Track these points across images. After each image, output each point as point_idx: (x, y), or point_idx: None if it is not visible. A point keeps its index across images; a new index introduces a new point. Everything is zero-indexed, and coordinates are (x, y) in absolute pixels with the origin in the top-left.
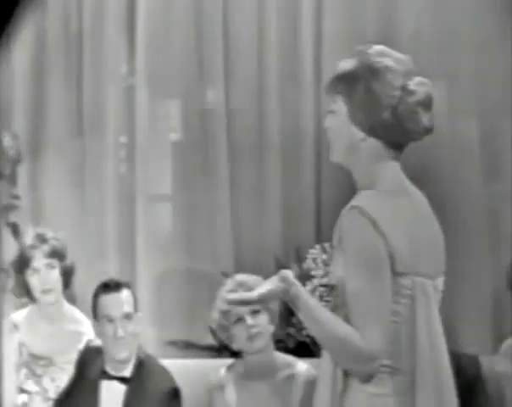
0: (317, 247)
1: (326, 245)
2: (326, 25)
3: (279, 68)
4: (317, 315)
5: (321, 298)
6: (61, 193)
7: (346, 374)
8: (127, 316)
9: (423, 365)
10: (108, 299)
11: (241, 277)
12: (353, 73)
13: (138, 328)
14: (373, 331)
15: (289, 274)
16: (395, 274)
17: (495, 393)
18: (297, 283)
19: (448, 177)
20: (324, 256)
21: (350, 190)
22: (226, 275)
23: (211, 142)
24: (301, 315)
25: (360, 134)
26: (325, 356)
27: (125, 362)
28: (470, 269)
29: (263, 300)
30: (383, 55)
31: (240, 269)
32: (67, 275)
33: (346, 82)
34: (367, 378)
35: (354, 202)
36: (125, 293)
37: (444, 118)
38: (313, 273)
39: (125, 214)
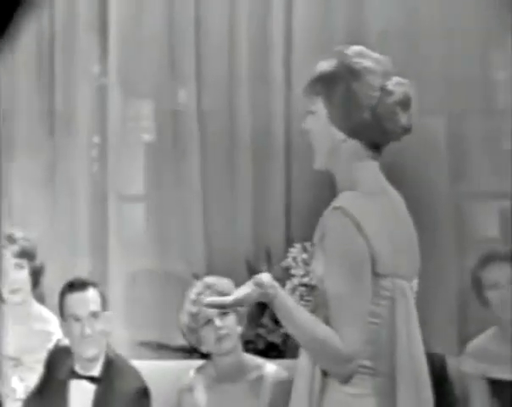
0: (297, 245)
1: (307, 244)
2: (296, 26)
3: (249, 69)
4: (296, 317)
5: (302, 297)
6: (33, 193)
7: (325, 374)
8: (94, 315)
9: (403, 367)
10: (73, 299)
11: (210, 280)
12: (333, 74)
13: (107, 327)
14: (352, 333)
15: (265, 278)
16: (376, 275)
17: (460, 394)
18: (276, 285)
19: (415, 177)
20: (304, 255)
21: (320, 191)
22: (197, 276)
23: (183, 143)
24: (280, 317)
25: (341, 135)
26: (304, 356)
27: (93, 360)
28: (437, 269)
29: (239, 304)
30: (362, 56)
31: (211, 270)
32: (36, 275)
33: (325, 83)
34: (345, 379)
35: (337, 202)
36: (91, 292)
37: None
38: (293, 272)
39: (97, 213)
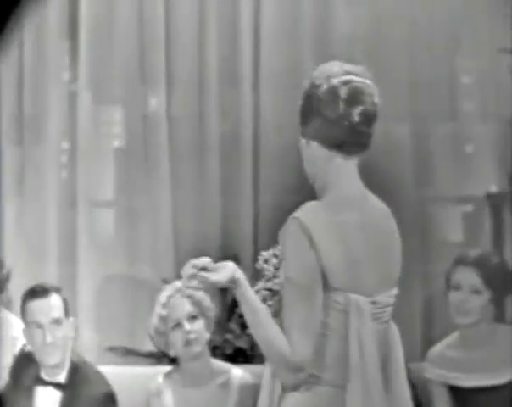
0: (270, 251)
1: (278, 250)
2: (264, 29)
3: (218, 74)
4: (257, 316)
5: (264, 301)
6: (2, 198)
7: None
8: (56, 322)
9: (353, 379)
10: (35, 305)
11: (179, 284)
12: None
13: (71, 333)
14: (300, 343)
15: (241, 274)
16: (328, 289)
17: (424, 400)
18: (246, 283)
19: (380, 182)
20: (274, 260)
21: (288, 195)
22: (167, 282)
23: (153, 148)
24: (242, 305)
25: (302, 140)
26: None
27: (56, 367)
28: (401, 274)
29: (216, 285)
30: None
31: (180, 274)
32: (1, 283)
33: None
34: (293, 387)
35: (297, 212)
36: (53, 299)
37: (377, 122)
38: (265, 273)
39: (67, 219)
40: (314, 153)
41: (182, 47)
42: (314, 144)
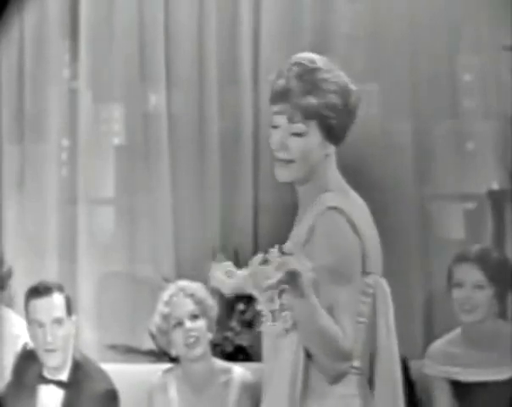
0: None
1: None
2: (264, 29)
3: (218, 72)
4: (319, 313)
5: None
6: (2, 196)
7: (306, 380)
8: (57, 321)
9: (383, 365)
10: (37, 304)
11: (182, 283)
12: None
13: (72, 331)
14: (349, 330)
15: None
16: (364, 273)
17: (425, 397)
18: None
19: (381, 179)
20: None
21: (288, 190)
22: (167, 280)
23: (153, 146)
24: (302, 310)
25: (332, 148)
26: (283, 362)
27: (58, 368)
28: (402, 271)
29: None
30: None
31: (180, 272)
32: (2, 280)
33: (322, 109)
34: (339, 378)
35: (329, 202)
36: (55, 298)
37: (377, 120)
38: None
39: (67, 217)
40: (331, 156)
41: (182, 44)
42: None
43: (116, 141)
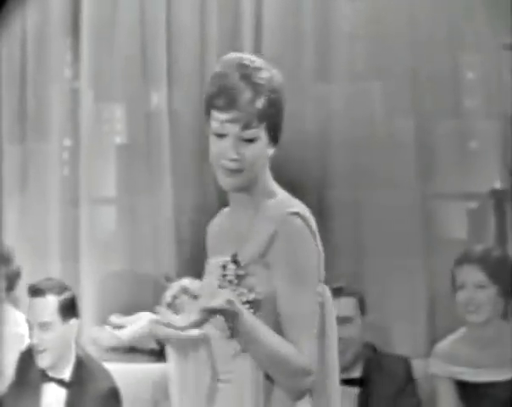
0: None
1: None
2: (266, 25)
3: None
4: (262, 334)
5: None
6: (4, 196)
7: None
8: (43, 325)
9: (332, 377)
10: (30, 304)
11: (184, 282)
12: (276, 99)
13: (70, 333)
14: (310, 345)
15: (230, 294)
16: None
17: (428, 396)
18: (240, 305)
19: (384, 177)
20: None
21: (291, 191)
22: (169, 279)
23: (155, 145)
24: (243, 334)
25: (272, 150)
26: (239, 383)
27: (50, 368)
28: (405, 269)
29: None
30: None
31: (182, 272)
32: (11, 280)
33: (270, 110)
34: (302, 394)
35: (289, 208)
36: (45, 301)
37: (380, 118)
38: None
39: (69, 216)
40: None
41: (184, 43)
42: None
43: (118, 140)
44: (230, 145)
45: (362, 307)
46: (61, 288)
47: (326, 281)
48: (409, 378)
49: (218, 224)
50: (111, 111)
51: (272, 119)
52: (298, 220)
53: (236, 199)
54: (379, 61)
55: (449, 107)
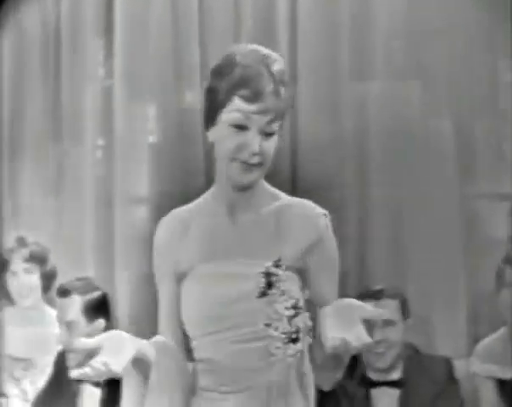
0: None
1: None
2: (301, 21)
3: None
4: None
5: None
6: (39, 196)
7: None
8: (69, 325)
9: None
10: (58, 303)
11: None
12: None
13: (99, 334)
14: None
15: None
16: None
17: (470, 396)
18: None
19: (424, 178)
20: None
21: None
22: None
23: (188, 143)
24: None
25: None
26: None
27: None
28: (446, 270)
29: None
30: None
31: None
32: (47, 280)
33: (287, 104)
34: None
35: (318, 209)
36: (69, 301)
37: (419, 119)
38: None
39: (103, 216)
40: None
41: (217, 40)
42: None
43: (151, 139)
44: (253, 138)
45: (404, 310)
46: (88, 288)
47: (367, 282)
48: (451, 379)
49: (200, 225)
50: (144, 110)
51: (286, 112)
52: (328, 223)
53: (235, 199)
54: (417, 60)
55: (489, 107)
